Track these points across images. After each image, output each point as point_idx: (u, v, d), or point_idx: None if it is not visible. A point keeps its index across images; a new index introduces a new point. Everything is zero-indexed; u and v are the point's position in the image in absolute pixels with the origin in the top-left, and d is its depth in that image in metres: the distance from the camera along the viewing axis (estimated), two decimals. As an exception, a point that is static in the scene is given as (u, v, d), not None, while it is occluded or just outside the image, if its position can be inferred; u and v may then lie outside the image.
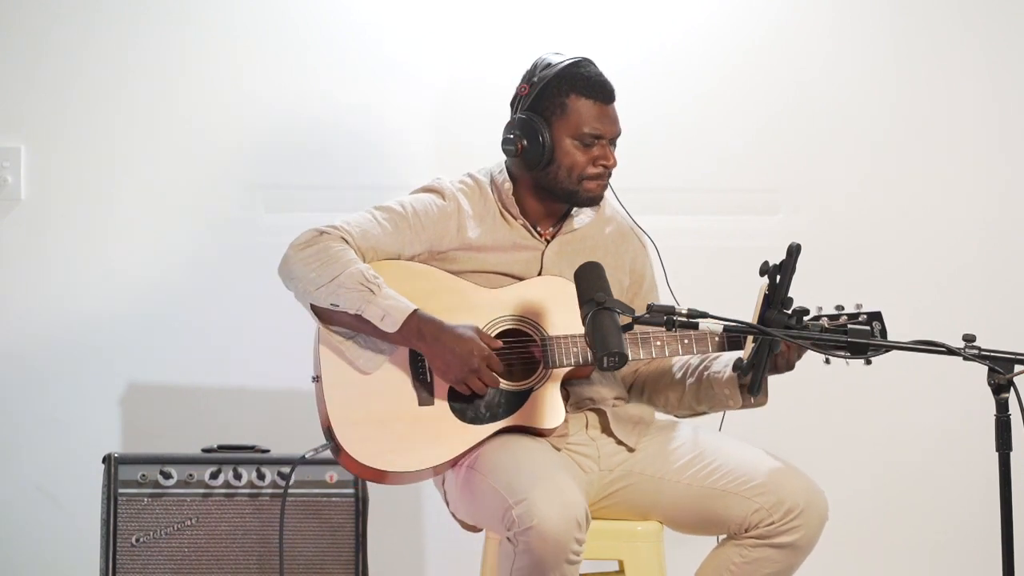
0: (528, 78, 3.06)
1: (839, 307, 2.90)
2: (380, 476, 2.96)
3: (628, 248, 3.17)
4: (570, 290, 2.96)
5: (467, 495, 2.97)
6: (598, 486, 3.02)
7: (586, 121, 3.01)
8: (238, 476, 3.53)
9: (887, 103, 4.11)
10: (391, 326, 2.88)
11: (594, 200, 3.06)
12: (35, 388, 3.96)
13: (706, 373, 3.06)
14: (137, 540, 3.50)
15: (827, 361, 2.86)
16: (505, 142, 3.06)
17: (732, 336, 2.96)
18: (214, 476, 3.53)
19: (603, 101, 3.01)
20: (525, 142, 3.03)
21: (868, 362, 2.88)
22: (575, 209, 3.13)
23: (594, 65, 3.05)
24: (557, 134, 3.02)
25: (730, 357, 3.03)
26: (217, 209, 4.00)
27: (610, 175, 3.05)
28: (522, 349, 3.00)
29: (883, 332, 2.91)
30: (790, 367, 2.92)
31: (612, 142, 3.04)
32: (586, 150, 3.02)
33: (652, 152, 4.03)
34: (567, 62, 3.03)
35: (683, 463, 2.99)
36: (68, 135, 3.98)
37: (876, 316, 2.91)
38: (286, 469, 3.52)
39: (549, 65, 3.04)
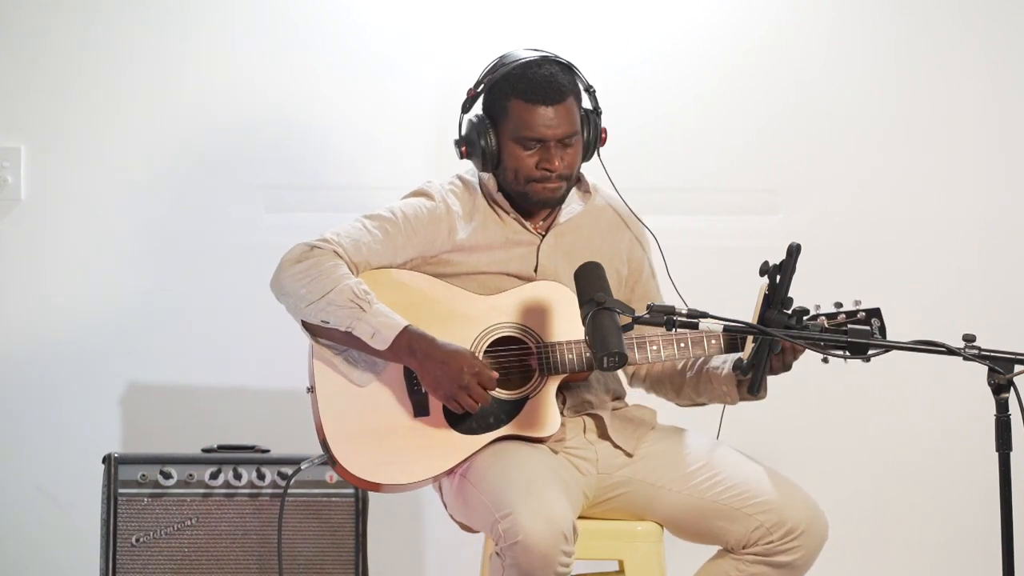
0: (481, 78, 3.05)
1: (838, 304, 2.89)
2: (376, 488, 2.96)
3: (623, 237, 3.15)
4: (564, 295, 2.96)
5: (460, 502, 2.97)
6: (597, 488, 3.01)
7: (526, 124, 2.97)
8: (238, 476, 3.53)
9: (887, 103, 4.11)
10: (381, 344, 2.86)
11: (547, 203, 3.04)
12: (35, 388, 3.96)
13: (705, 368, 3.06)
14: (137, 540, 3.50)
15: (825, 360, 2.86)
16: (454, 144, 3.06)
17: (730, 340, 2.95)
18: (214, 476, 3.53)
19: (543, 103, 2.97)
20: (465, 147, 3.03)
21: (867, 359, 2.87)
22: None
23: (550, 64, 3.00)
24: (502, 137, 3.00)
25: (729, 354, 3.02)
26: (217, 209, 4.00)
27: (564, 177, 3.01)
28: (517, 357, 2.99)
29: (882, 329, 2.89)
30: (787, 368, 2.91)
31: (562, 144, 2.99)
32: (529, 153, 2.99)
33: (652, 152, 4.03)
34: (518, 62, 3.00)
35: (685, 474, 2.97)
36: (68, 135, 3.98)
37: (875, 313, 2.90)
38: (286, 469, 3.52)
39: (502, 66, 3.02)
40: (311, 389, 2.96)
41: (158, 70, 3.99)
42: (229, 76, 3.99)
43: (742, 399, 3.01)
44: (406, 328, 2.87)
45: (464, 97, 3.06)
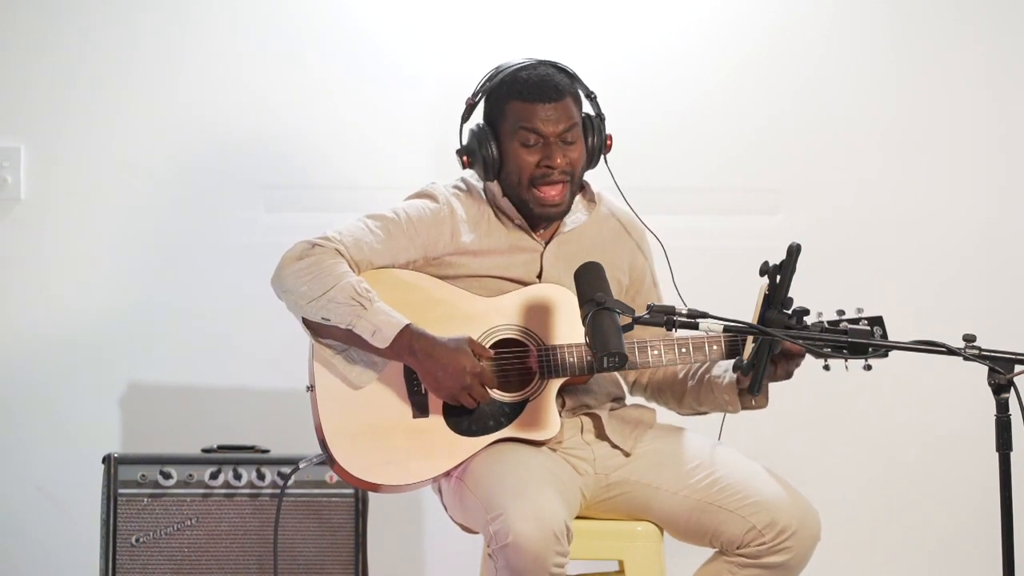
0: (477, 88, 3.05)
1: (840, 312, 2.88)
2: (375, 488, 2.96)
3: (626, 246, 3.15)
4: (566, 298, 2.95)
5: (458, 503, 2.97)
6: (594, 488, 3.01)
7: (523, 119, 2.96)
8: (238, 476, 3.53)
9: (888, 103, 4.11)
10: (382, 342, 2.85)
11: (551, 212, 3.01)
12: (35, 388, 3.96)
13: (707, 376, 3.05)
14: (137, 540, 3.50)
15: (827, 367, 2.86)
16: (456, 154, 3.05)
17: (731, 344, 2.95)
18: (214, 476, 3.53)
19: (541, 101, 2.96)
20: (467, 156, 3.03)
21: (868, 367, 2.87)
22: None
23: (544, 66, 3.00)
24: (503, 142, 3.00)
25: (730, 361, 3.01)
26: (217, 209, 4.00)
27: (568, 179, 3.00)
28: (518, 359, 2.99)
29: (884, 337, 2.89)
30: (788, 376, 2.91)
31: (563, 141, 2.99)
32: (530, 151, 2.98)
33: (652, 152, 4.03)
34: (511, 68, 3.00)
35: (681, 474, 2.97)
36: (68, 135, 3.98)
37: (877, 321, 2.89)
38: (286, 469, 3.52)
39: (498, 73, 3.02)
40: (311, 388, 2.96)
41: (158, 70, 3.99)
42: (229, 76, 4.00)
43: (744, 407, 3.01)
44: (407, 327, 2.86)
45: (463, 103, 3.06)
